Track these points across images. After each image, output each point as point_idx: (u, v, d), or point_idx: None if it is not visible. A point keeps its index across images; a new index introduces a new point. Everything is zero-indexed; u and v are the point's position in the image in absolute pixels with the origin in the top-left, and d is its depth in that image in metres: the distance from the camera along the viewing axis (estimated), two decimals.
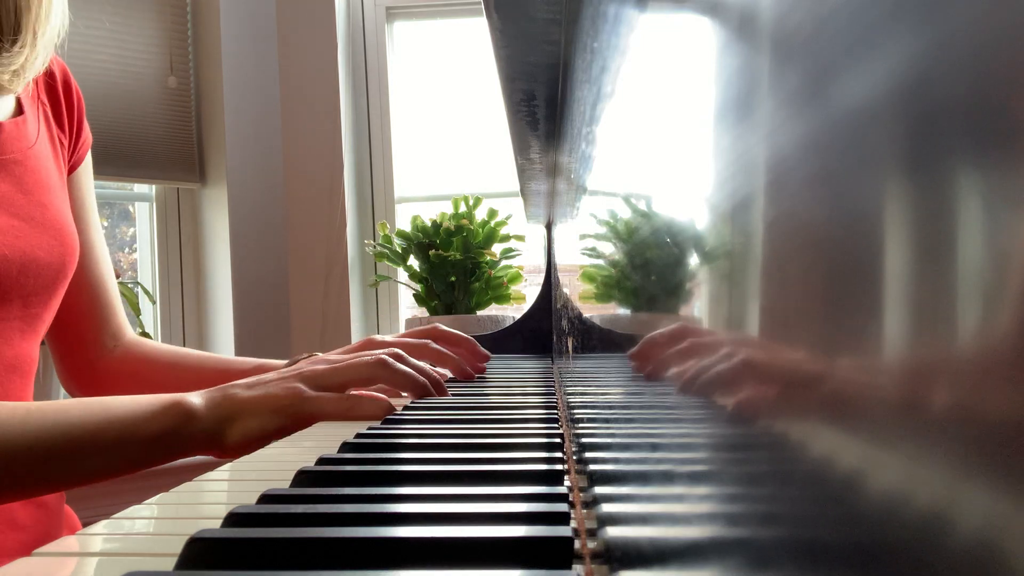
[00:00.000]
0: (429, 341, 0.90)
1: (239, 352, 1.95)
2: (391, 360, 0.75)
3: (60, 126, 0.82)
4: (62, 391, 1.72)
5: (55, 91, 0.82)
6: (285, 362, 0.86)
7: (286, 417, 0.67)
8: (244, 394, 0.67)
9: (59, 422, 0.59)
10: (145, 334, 1.88)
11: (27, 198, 0.72)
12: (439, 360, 0.91)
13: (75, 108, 0.84)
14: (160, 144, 1.96)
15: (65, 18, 0.77)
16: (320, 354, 0.85)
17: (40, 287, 0.73)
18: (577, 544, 0.34)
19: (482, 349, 1.05)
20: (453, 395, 0.84)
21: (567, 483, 0.44)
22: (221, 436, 0.65)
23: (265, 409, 0.67)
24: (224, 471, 0.55)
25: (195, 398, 0.65)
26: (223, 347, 1.99)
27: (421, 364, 0.81)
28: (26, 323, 0.73)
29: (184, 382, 0.82)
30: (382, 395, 0.77)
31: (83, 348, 0.89)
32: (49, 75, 0.81)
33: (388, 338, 0.89)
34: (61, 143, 0.81)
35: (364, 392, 0.80)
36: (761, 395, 0.13)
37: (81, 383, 0.91)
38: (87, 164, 0.87)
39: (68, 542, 0.39)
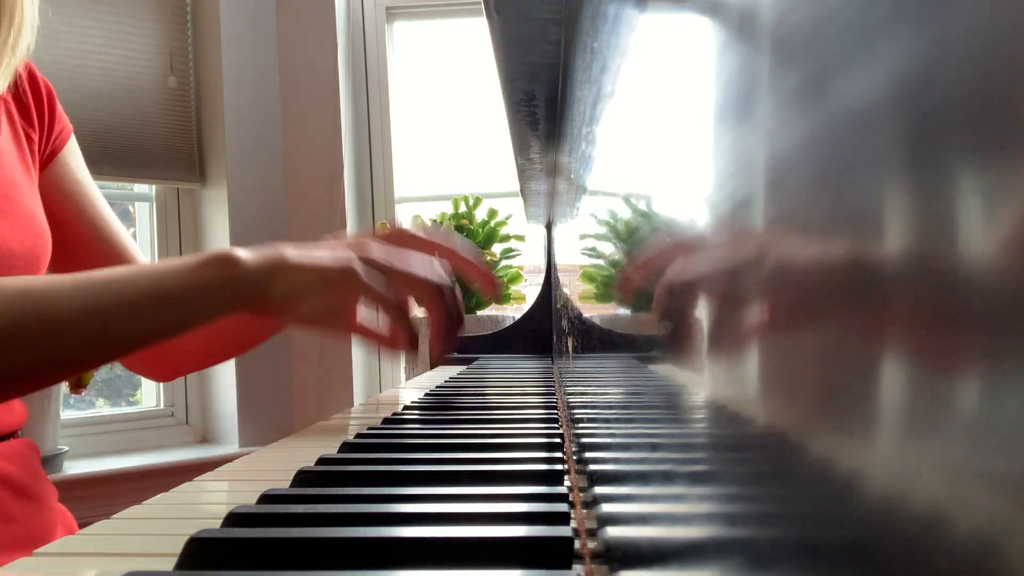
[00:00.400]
0: (477, 252, 0.83)
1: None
2: (446, 294, 0.71)
3: (28, 121, 0.81)
4: (61, 392, 1.72)
5: (19, 90, 0.82)
6: None
7: (331, 285, 0.65)
8: (293, 252, 0.66)
9: (110, 282, 0.59)
10: None
11: None
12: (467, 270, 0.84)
13: (44, 100, 0.84)
14: (160, 144, 1.96)
15: (34, 33, 0.77)
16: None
17: None
18: (577, 544, 0.34)
19: (490, 275, 0.95)
20: (453, 395, 0.84)
21: (567, 483, 0.44)
22: (265, 289, 0.63)
23: (312, 269, 0.65)
24: (224, 471, 0.55)
25: (242, 251, 0.64)
26: None
27: (462, 308, 0.75)
28: None
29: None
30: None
31: None
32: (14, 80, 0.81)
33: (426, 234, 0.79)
34: (30, 138, 0.81)
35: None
36: (761, 395, 0.13)
37: (148, 356, 0.89)
38: (71, 148, 0.87)
39: (68, 542, 0.39)
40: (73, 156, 0.86)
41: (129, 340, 0.61)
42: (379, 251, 0.70)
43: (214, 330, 0.65)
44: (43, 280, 0.58)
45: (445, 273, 0.75)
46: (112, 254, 0.86)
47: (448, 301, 0.73)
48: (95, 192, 0.87)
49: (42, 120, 0.83)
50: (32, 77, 0.83)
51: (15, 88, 0.81)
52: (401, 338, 0.71)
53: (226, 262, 0.63)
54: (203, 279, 0.62)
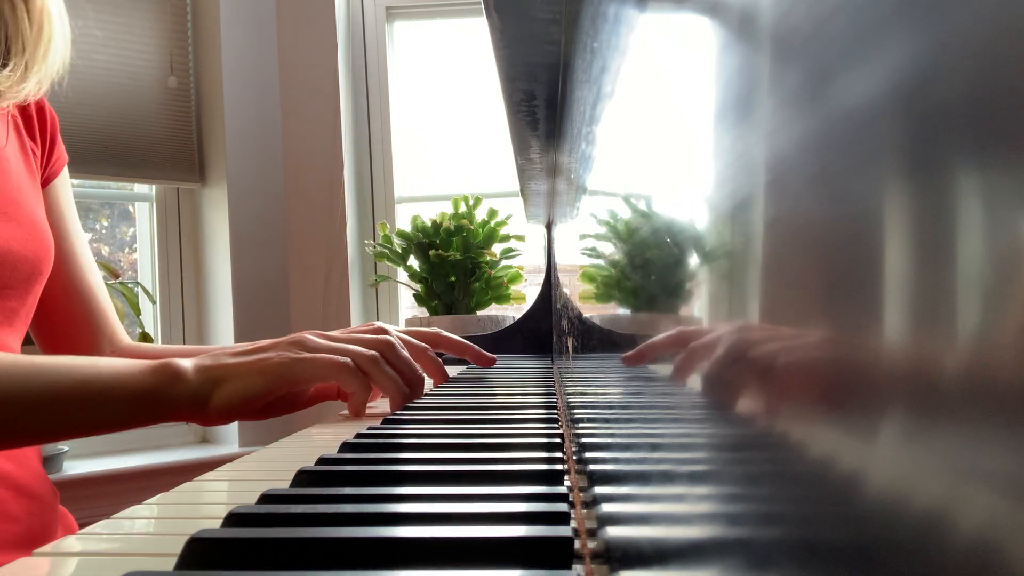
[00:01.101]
0: (428, 348, 0.89)
1: None
2: (383, 362, 0.74)
3: (32, 138, 0.83)
4: None
5: (27, 108, 0.83)
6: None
7: (274, 378, 0.66)
8: (233, 359, 0.67)
9: (45, 372, 0.59)
10: (145, 334, 1.89)
11: None
12: (430, 370, 0.90)
13: (47, 125, 0.85)
14: (160, 144, 1.96)
15: (67, 47, 0.78)
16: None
17: (16, 280, 0.73)
18: (577, 544, 0.34)
19: (486, 354, 1.04)
20: (453, 395, 0.84)
21: (567, 483, 0.44)
22: (206, 399, 0.64)
23: (252, 371, 0.66)
24: (224, 471, 0.55)
25: (185, 361, 0.65)
26: None
27: (412, 365, 0.79)
28: (2, 315, 0.73)
29: None
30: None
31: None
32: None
33: (392, 329, 0.87)
34: (33, 153, 0.82)
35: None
36: (761, 395, 0.13)
37: None
38: (63, 179, 0.89)
39: (68, 542, 0.39)
40: (63, 188, 0.88)
41: (56, 429, 0.61)
42: (314, 339, 0.72)
43: None
44: None
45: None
46: (74, 290, 0.86)
47: (397, 365, 0.75)
48: (75, 228, 0.89)
49: (44, 142, 0.84)
50: (40, 103, 0.85)
51: (22, 107, 0.82)
52: (357, 400, 0.73)
53: (169, 373, 0.63)
54: (143, 386, 0.62)
